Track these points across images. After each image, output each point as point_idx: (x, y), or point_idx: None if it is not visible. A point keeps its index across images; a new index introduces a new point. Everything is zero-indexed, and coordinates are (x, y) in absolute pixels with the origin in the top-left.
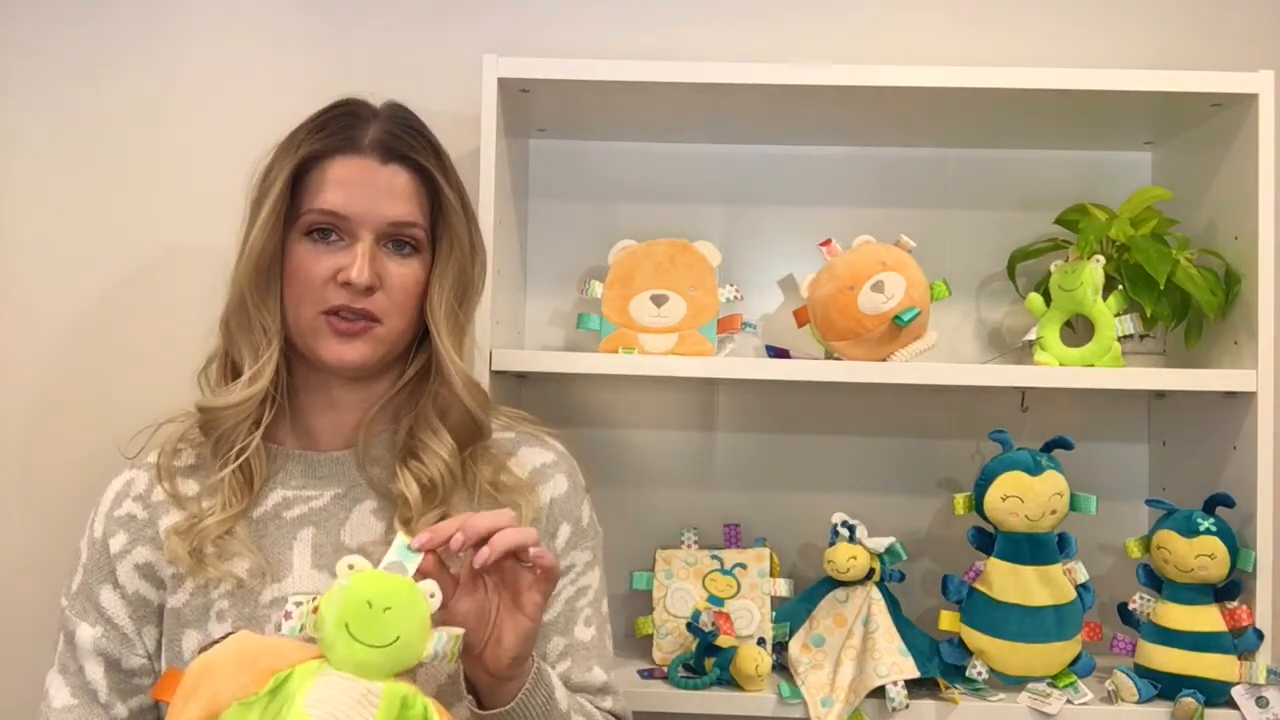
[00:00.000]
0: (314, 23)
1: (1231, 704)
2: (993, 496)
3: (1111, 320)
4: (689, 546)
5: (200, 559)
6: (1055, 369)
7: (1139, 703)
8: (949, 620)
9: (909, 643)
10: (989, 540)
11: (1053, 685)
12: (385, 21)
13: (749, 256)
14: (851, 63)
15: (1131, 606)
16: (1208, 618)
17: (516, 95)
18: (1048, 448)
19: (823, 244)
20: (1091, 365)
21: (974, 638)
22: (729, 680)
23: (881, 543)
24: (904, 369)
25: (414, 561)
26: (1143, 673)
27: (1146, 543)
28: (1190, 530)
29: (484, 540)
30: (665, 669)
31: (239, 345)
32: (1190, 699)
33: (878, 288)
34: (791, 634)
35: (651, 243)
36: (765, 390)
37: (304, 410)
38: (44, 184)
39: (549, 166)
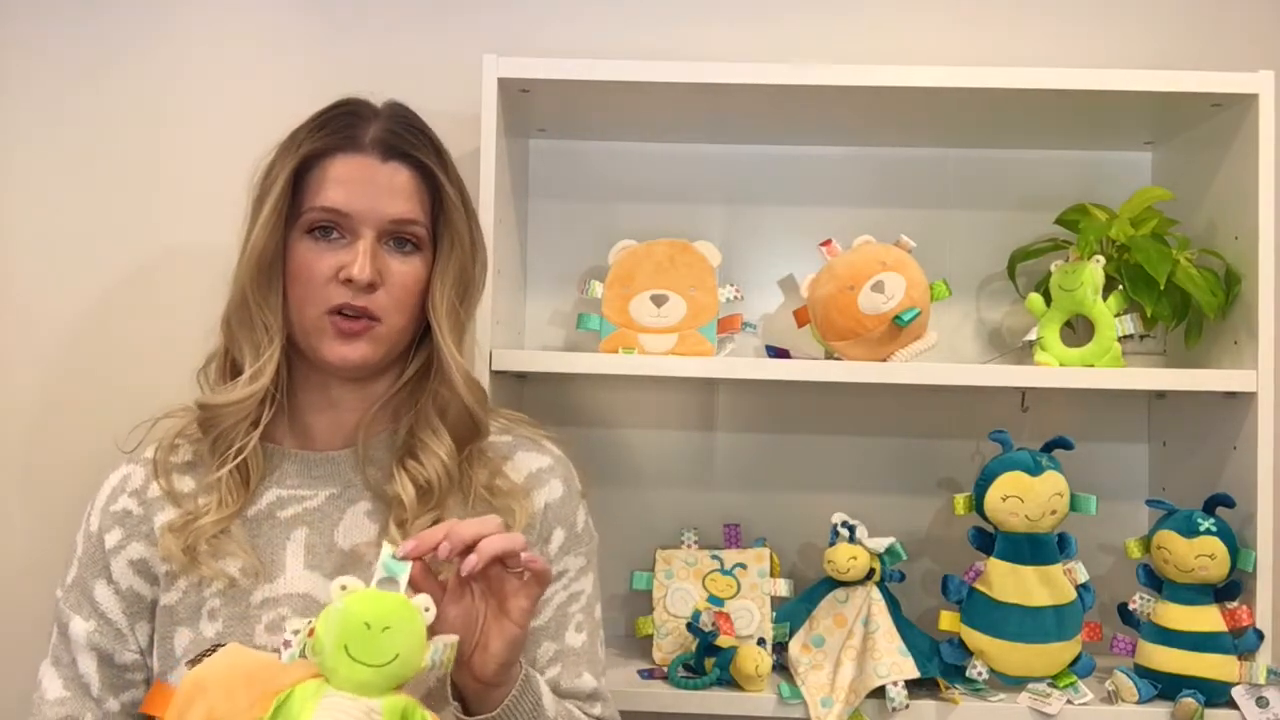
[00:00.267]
0: (314, 23)
1: (1231, 704)
2: (993, 496)
3: (1111, 320)
4: (689, 546)
5: (194, 557)
6: (1055, 369)
7: (1139, 703)
8: (949, 620)
9: (909, 643)
10: (989, 540)
11: (1053, 685)
12: (385, 21)
13: (749, 256)
14: (851, 63)
15: (1131, 606)
16: (1208, 618)
17: (516, 95)
18: (1048, 448)
19: (823, 244)
20: (1091, 365)
21: (974, 638)
22: (729, 680)
23: (881, 543)
24: (904, 369)
25: (404, 572)
26: (1143, 673)
27: (1146, 543)
28: (1190, 530)
29: (470, 547)
30: (665, 669)
31: (240, 343)
32: (1190, 699)
33: (878, 288)
34: (791, 634)
35: (651, 243)
36: (765, 390)
37: (302, 409)
38: (44, 184)
39: (549, 166)
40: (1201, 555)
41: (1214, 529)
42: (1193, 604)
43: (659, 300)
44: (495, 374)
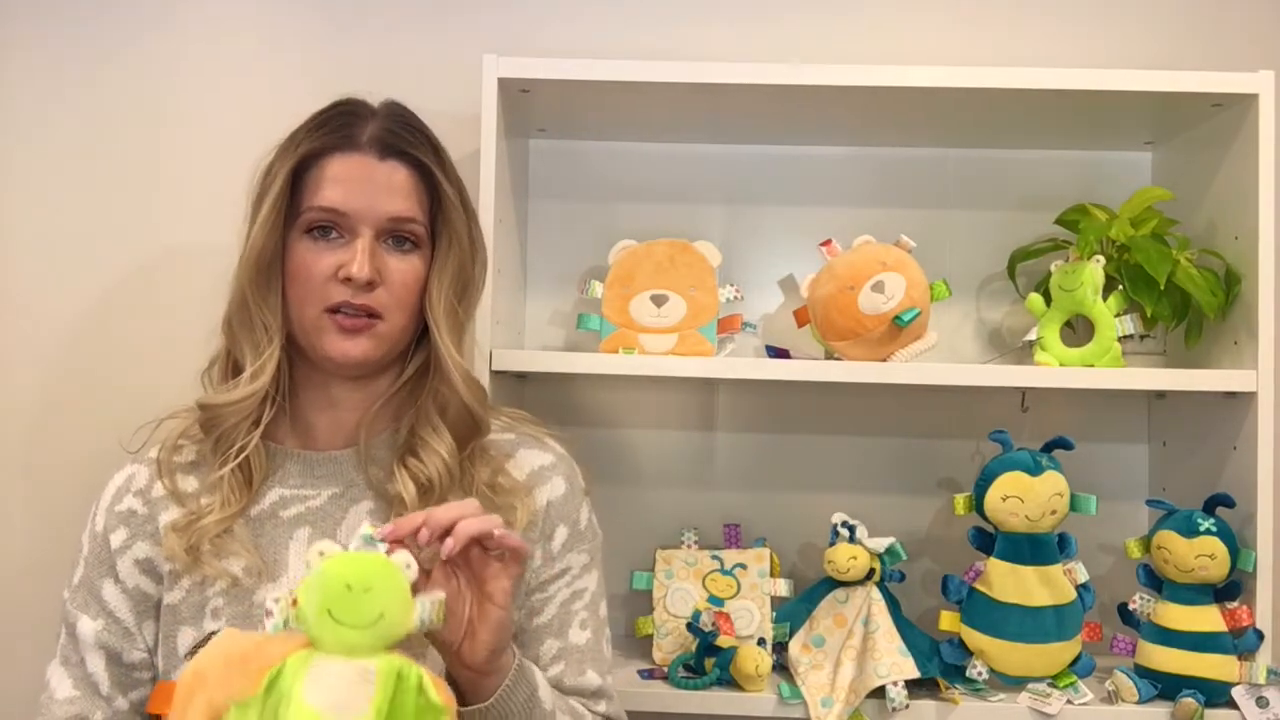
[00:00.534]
0: (314, 22)
1: (1231, 704)
2: (993, 496)
3: (1111, 320)
4: (689, 546)
5: (197, 556)
6: (1055, 369)
7: (1139, 703)
8: (949, 620)
9: (909, 643)
10: (989, 540)
11: (1053, 685)
12: (385, 21)
13: (749, 256)
14: (851, 63)
15: (1131, 606)
16: (1208, 618)
17: (516, 95)
18: (1048, 448)
19: (823, 244)
20: (1091, 365)
21: (974, 638)
22: (729, 680)
23: (881, 543)
24: (904, 369)
25: (381, 547)
26: (1143, 673)
27: (1146, 543)
28: (1190, 530)
29: (449, 532)
30: (665, 669)
31: (241, 344)
32: (1190, 699)
33: (878, 288)
34: (791, 634)
35: (651, 243)
36: (765, 390)
37: (304, 409)
38: (43, 183)
39: (549, 166)
40: (1201, 555)
41: (1214, 529)
42: (1193, 604)
43: (659, 300)
44: (495, 374)
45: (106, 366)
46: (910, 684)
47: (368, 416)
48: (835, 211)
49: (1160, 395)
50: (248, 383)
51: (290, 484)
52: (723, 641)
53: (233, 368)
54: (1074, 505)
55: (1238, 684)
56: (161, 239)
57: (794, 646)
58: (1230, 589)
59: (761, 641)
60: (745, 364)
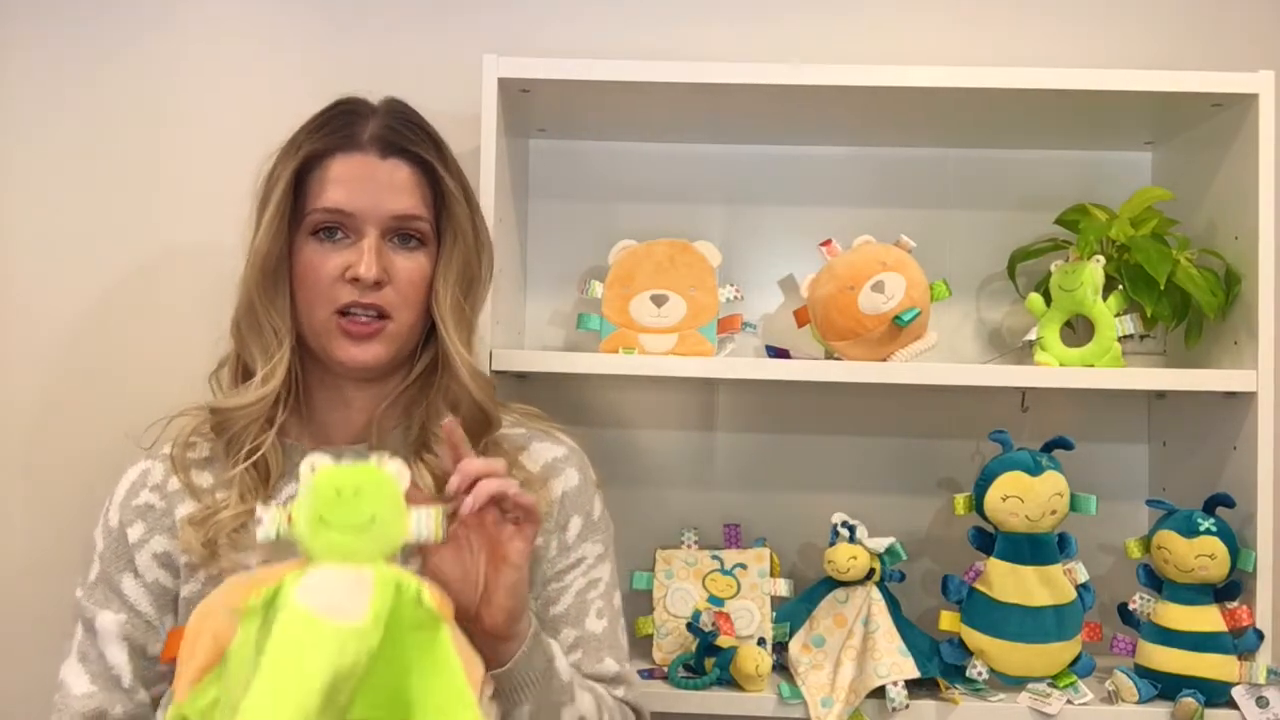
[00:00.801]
0: (314, 22)
1: (1231, 704)
2: (993, 496)
3: (1111, 320)
4: (689, 546)
5: (213, 550)
6: (1055, 369)
7: (1139, 703)
8: (949, 620)
9: (909, 643)
10: (989, 540)
11: (1053, 685)
12: (385, 21)
13: (749, 256)
14: (851, 63)
15: (1131, 606)
16: (1208, 618)
17: (516, 95)
18: (1048, 448)
19: (823, 244)
20: (1091, 365)
21: (974, 638)
22: (729, 680)
23: (881, 543)
24: (904, 369)
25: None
26: (1143, 673)
27: (1146, 543)
28: (1190, 530)
29: (468, 490)
30: (665, 669)
31: (250, 348)
32: (1190, 699)
33: (878, 288)
34: (791, 634)
35: (651, 243)
36: (765, 390)
37: (317, 408)
38: (43, 183)
39: (549, 166)
40: (1201, 555)
41: (1214, 529)
42: (1193, 604)
43: (659, 300)
44: (496, 374)
45: (106, 366)
46: (910, 684)
47: (378, 414)
48: (835, 211)
49: (1160, 395)
50: (259, 386)
51: None
52: (723, 641)
53: (242, 371)
54: (1074, 505)
55: (1238, 684)
56: (161, 239)
57: (794, 646)
58: (1230, 589)
59: (761, 641)
60: (745, 364)
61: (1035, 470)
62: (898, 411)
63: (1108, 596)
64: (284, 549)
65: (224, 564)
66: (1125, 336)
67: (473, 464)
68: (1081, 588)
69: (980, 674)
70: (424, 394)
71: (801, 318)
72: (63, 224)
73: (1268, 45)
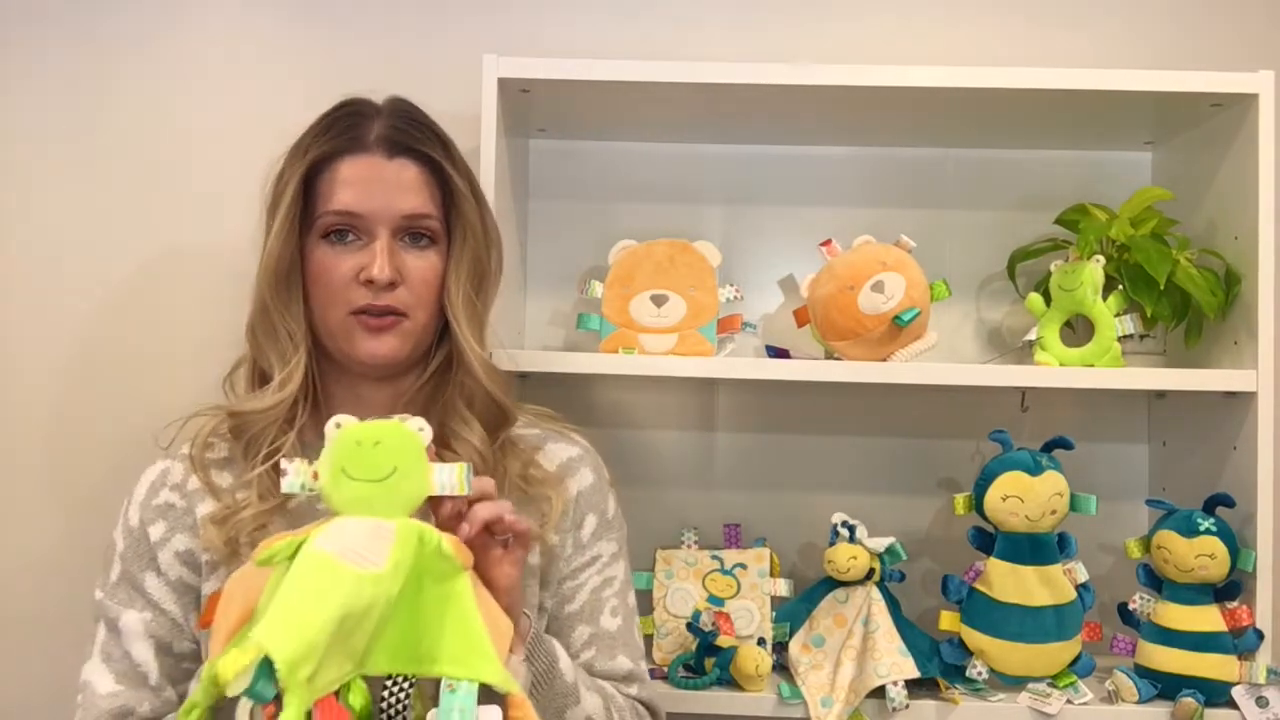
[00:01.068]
0: (314, 22)
1: (1231, 704)
2: (993, 496)
3: (1111, 320)
4: (689, 546)
5: (235, 549)
6: (1055, 369)
7: (1139, 703)
8: (949, 620)
9: (909, 643)
10: (989, 540)
11: (1053, 685)
12: (385, 22)
13: (749, 256)
14: (851, 63)
15: (1131, 606)
16: (1208, 618)
17: (516, 95)
18: (1048, 448)
19: (823, 244)
20: (1091, 365)
21: (974, 638)
22: (729, 680)
23: (881, 543)
24: (904, 369)
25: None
26: (1143, 673)
27: (1146, 543)
28: (1190, 530)
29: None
30: (665, 669)
31: (266, 352)
32: (1190, 699)
33: (878, 288)
34: (791, 634)
35: (651, 243)
36: (765, 390)
37: (335, 408)
38: (44, 183)
39: (549, 166)
40: (1201, 555)
41: (1214, 529)
42: (1193, 604)
43: (659, 300)
44: None
45: (108, 367)
46: (910, 684)
47: (395, 413)
48: (835, 211)
49: (1160, 395)
50: (276, 390)
51: None
52: (723, 641)
53: (259, 375)
54: (1074, 505)
55: (1238, 684)
56: (163, 239)
57: (794, 646)
58: (1230, 589)
59: (761, 641)
60: (745, 364)
61: (1035, 470)
62: (897, 411)
63: (1108, 596)
64: (305, 523)
65: (245, 562)
66: (1125, 336)
67: (481, 509)
68: (1081, 588)
69: (980, 674)
70: (440, 391)
71: (801, 318)
72: (63, 224)
73: (1267, 45)
